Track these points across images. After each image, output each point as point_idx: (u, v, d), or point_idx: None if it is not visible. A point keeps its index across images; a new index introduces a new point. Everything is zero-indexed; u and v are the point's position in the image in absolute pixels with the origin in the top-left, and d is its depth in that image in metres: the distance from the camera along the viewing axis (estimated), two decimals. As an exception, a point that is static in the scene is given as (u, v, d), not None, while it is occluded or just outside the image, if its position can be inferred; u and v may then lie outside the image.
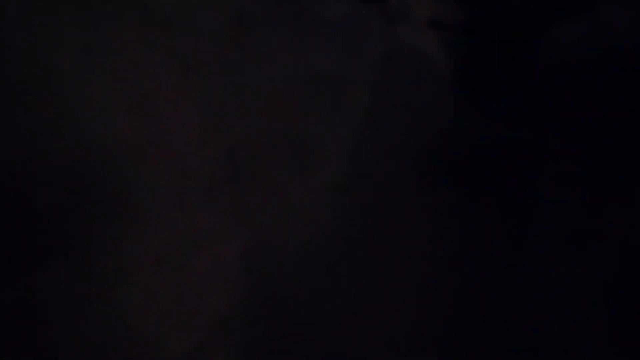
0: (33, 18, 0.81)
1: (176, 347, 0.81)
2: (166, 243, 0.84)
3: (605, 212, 1.01)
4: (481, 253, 1.01)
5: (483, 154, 1.34)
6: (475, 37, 1.98)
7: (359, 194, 0.91)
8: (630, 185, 1.04)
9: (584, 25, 1.25)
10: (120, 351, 0.71)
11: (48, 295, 0.68)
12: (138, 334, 0.77)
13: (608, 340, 0.90)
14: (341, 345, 0.91)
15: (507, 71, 1.80)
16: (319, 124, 1.01)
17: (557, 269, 0.99)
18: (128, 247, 0.81)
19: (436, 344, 0.94)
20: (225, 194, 0.88)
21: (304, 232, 0.88)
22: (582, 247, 1.03)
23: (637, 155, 1.07)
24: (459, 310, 0.97)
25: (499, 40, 1.94)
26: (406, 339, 0.92)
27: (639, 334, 0.88)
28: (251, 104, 0.96)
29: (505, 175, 1.24)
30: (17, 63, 0.78)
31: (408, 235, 0.93)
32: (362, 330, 0.91)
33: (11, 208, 0.70)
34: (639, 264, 0.89)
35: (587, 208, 1.02)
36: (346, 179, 0.92)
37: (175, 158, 0.87)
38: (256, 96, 0.93)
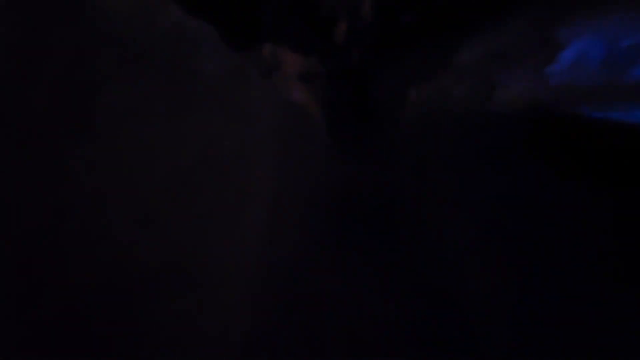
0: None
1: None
2: None
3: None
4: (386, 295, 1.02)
5: (363, 199, 1.39)
6: (341, 87, 2.08)
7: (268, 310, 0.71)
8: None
9: (430, 90, 1.49)
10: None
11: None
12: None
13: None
14: None
15: (369, 118, 1.94)
16: (215, 230, 0.71)
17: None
18: None
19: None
20: None
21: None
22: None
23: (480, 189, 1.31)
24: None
25: (362, 91, 2.07)
26: None
27: None
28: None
29: (384, 217, 1.32)
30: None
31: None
32: None
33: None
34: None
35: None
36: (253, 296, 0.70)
37: None
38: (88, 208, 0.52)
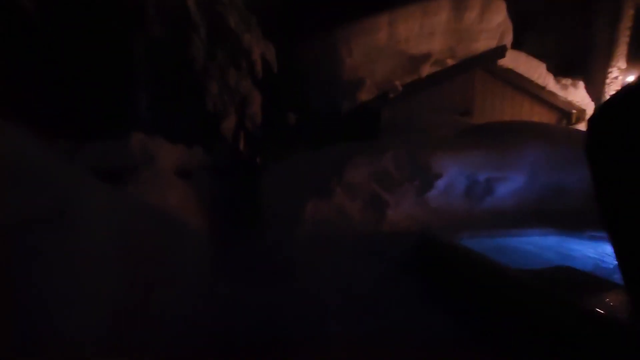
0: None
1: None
2: None
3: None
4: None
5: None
6: (227, 185, 1.84)
7: None
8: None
9: (325, 206, 1.43)
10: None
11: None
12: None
13: None
14: None
15: (258, 226, 1.73)
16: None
17: None
18: None
19: None
20: None
21: None
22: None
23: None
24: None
25: (251, 192, 1.87)
26: None
27: None
28: None
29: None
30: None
31: None
32: None
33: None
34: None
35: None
36: None
37: None
38: None
